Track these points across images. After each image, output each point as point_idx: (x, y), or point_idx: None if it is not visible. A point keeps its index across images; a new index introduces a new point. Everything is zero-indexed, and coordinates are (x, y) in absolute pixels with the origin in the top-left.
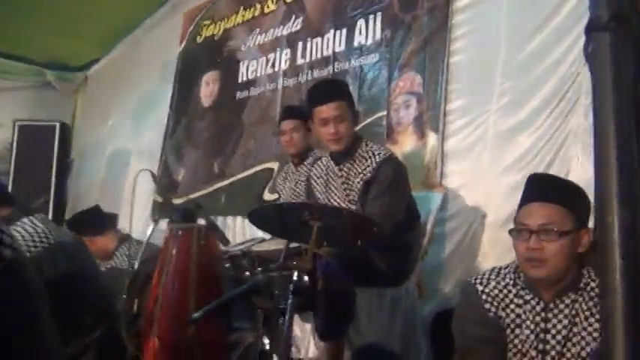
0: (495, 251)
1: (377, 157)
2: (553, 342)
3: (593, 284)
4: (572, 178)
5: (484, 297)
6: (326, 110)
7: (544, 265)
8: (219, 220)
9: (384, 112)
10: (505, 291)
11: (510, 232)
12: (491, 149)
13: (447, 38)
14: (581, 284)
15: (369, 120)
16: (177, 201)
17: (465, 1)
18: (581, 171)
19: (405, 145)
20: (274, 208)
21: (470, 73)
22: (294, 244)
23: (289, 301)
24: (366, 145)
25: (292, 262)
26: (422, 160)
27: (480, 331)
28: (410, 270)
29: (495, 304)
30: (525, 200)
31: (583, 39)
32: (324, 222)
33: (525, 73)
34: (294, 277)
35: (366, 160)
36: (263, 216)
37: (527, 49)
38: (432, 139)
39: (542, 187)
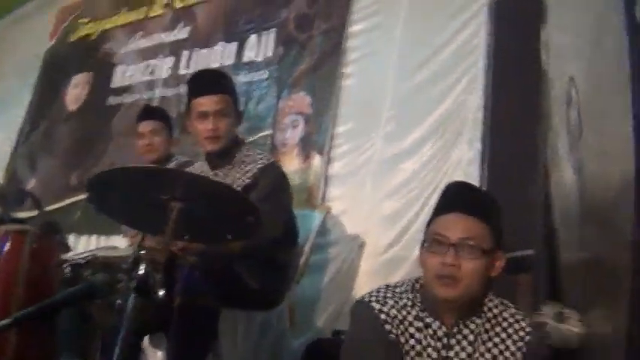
0: (372, 283)
1: (259, 163)
2: None
3: (495, 310)
4: None
5: (383, 317)
6: (206, 103)
7: (457, 285)
8: (71, 238)
9: (270, 132)
10: (404, 312)
11: (423, 243)
12: (374, 175)
13: (340, 61)
14: (485, 309)
15: (252, 138)
16: (25, 214)
17: (360, 27)
18: None
19: (288, 166)
20: (118, 174)
21: (359, 98)
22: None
23: (129, 300)
24: (248, 150)
25: (141, 253)
26: (305, 182)
27: (385, 357)
28: (284, 292)
29: (395, 326)
30: (444, 210)
31: (469, 74)
32: (188, 203)
33: (413, 103)
34: (140, 271)
35: (246, 166)
36: (107, 193)
37: (417, 79)
38: (316, 161)
39: (465, 198)
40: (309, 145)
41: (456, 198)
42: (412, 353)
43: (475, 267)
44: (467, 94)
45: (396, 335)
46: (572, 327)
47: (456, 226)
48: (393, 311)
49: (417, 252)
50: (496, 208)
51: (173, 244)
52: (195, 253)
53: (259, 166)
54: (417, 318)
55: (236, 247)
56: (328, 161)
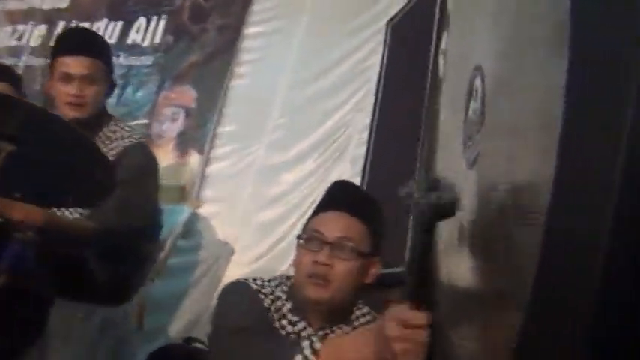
0: None
1: (127, 140)
2: None
3: (363, 320)
4: None
5: (262, 296)
6: (72, 64)
7: (329, 286)
8: None
9: (146, 121)
10: (279, 303)
11: (298, 238)
12: (254, 182)
13: (233, 60)
14: (353, 316)
15: None
16: None
17: (258, 29)
18: None
19: (162, 160)
20: None
21: (248, 100)
22: None
23: None
24: (116, 124)
25: None
26: (178, 179)
27: (258, 321)
28: (136, 287)
29: (273, 309)
30: (325, 207)
31: (360, 92)
32: (22, 146)
33: (302, 114)
34: None
35: (112, 143)
36: None
37: (309, 90)
38: (194, 159)
39: (349, 197)
40: (188, 141)
41: (339, 196)
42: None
43: (349, 269)
44: (355, 113)
45: (272, 318)
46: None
47: (335, 225)
48: (270, 297)
49: (287, 265)
50: (379, 213)
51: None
52: (34, 226)
53: (126, 144)
54: (290, 311)
55: (88, 229)
56: (207, 161)
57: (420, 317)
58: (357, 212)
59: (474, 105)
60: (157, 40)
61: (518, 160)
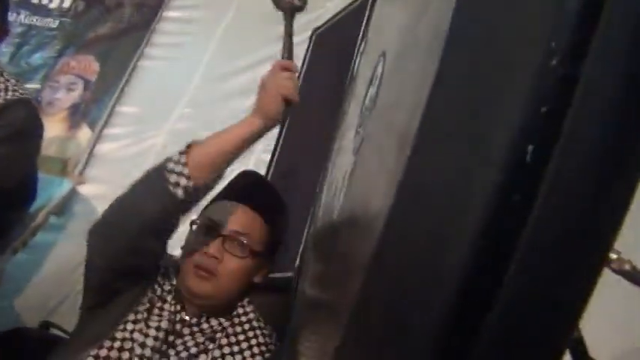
0: None
1: (10, 92)
2: (172, 356)
3: (244, 318)
4: None
5: None
6: None
7: (213, 280)
8: None
9: (38, 86)
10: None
11: (192, 223)
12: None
13: (145, 40)
14: (234, 312)
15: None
16: None
17: (179, 14)
18: None
19: (49, 130)
20: None
21: (156, 85)
22: None
23: None
24: (1, 74)
25: None
26: (63, 153)
27: None
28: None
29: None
30: (227, 196)
31: None
32: None
33: (211, 108)
34: None
35: None
36: None
37: (221, 88)
38: (84, 134)
39: (255, 191)
40: (81, 114)
41: (245, 188)
42: (144, 310)
43: (238, 267)
44: None
45: (152, 279)
46: None
47: (235, 218)
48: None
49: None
50: (284, 214)
51: None
52: None
53: (8, 96)
54: (168, 292)
55: None
56: (98, 138)
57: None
58: (261, 210)
59: (372, 91)
60: (67, 4)
61: (385, 149)
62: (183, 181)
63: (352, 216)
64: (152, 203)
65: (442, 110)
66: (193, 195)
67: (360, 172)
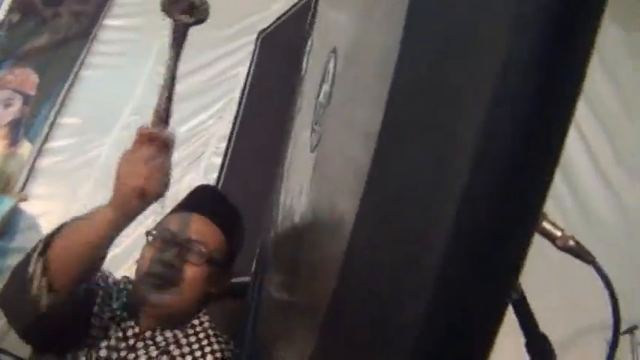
0: None
1: None
2: None
3: (199, 328)
4: None
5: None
6: None
7: (171, 290)
8: None
9: None
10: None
11: (147, 234)
12: (95, 182)
13: (85, 49)
14: (188, 323)
15: None
16: None
17: (119, 22)
18: None
19: None
20: None
21: (98, 94)
22: None
23: None
24: None
25: None
26: (4, 169)
27: None
28: None
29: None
30: (184, 208)
31: (222, 101)
32: None
33: None
34: None
35: None
36: None
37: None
38: (25, 149)
39: (212, 203)
40: (21, 129)
41: (202, 200)
42: (97, 329)
43: (197, 275)
44: (215, 121)
45: (96, 304)
46: None
47: (191, 227)
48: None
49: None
50: (240, 226)
51: None
52: None
53: None
54: (118, 308)
55: None
56: (39, 152)
57: (153, 134)
58: (218, 219)
59: (325, 88)
60: (0, 15)
61: (348, 145)
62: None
63: (317, 216)
64: (23, 314)
65: (404, 103)
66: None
67: (322, 170)
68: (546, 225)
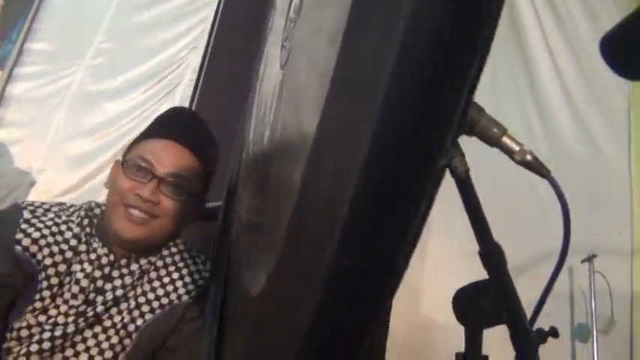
0: None
1: None
2: (99, 304)
3: (174, 249)
4: None
5: (23, 225)
6: None
7: (148, 224)
8: None
9: None
10: (63, 227)
11: (122, 163)
12: (69, 109)
13: None
14: (164, 249)
15: None
16: None
17: None
18: None
19: None
20: None
21: (68, 17)
22: None
23: None
24: None
25: None
26: None
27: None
28: None
29: (35, 240)
30: (158, 133)
31: (195, 31)
32: None
33: (131, 41)
34: None
35: None
36: None
37: (142, 16)
38: None
39: (187, 129)
40: None
41: (176, 125)
42: (53, 274)
43: (176, 208)
44: (188, 51)
45: (31, 253)
46: None
47: (168, 158)
48: (48, 223)
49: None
50: (216, 150)
51: None
52: None
53: None
54: (79, 239)
55: None
56: (9, 78)
57: None
58: (195, 148)
59: (295, 1)
60: None
61: (315, 50)
62: None
63: (285, 131)
64: None
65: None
66: None
67: (290, 83)
68: (505, 139)
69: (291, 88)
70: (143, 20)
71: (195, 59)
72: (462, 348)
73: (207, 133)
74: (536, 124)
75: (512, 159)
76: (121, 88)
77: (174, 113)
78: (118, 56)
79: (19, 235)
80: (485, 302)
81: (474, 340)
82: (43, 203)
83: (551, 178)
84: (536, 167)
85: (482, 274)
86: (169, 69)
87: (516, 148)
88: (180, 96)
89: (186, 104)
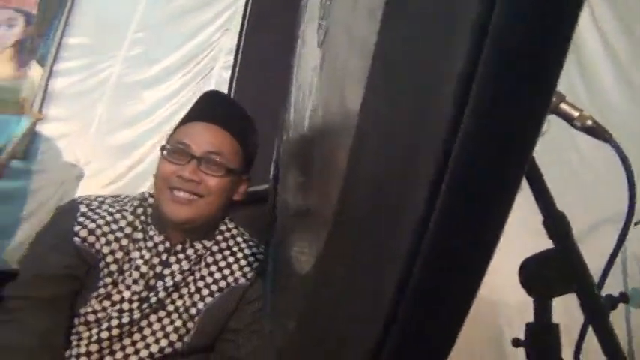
0: None
1: None
2: (160, 289)
3: (228, 234)
4: None
5: (81, 219)
6: None
7: (193, 204)
8: None
9: None
10: (118, 216)
11: (162, 149)
12: (109, 101)
13: None
14: (217, 232)
15: None
16: None
17: None
18: None
19: None
20: None
21: (102, 11)
22: None
23: None
24: None
25: None
26: (16, 94)
27: (59, 259)
28: None
29: (92, 230)
30: (194, 117)
31: (227, 13)
32: None
33: (164, 29)
34: None
35: None
36: None
37: (171, 6)
38: (35, 72)
39: (220, 109)
40: (28, 51)
41: (210, 107)
42: (112, 261)
43: (218, 185)
44: (221, 35)
45: (89, 243)
46: None
47: (205, 138)
48: (102, 214)
49: (142, 190)
50: (252, 129)
51: None
52: None
53: None
54: (134, 227)
55: None
56: (50, 75)
57: None
58: (229, 126)
59: None
60: None
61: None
62: None
63: (327, 110)
64: None
65: None
66: None
67: (330, 62)
68: (564, 106)
69: (330, 67)
70: (174, 7)
71: (227, 42)
72: (510, 323)
73: (240, 111)
74: (581, 90)
75: (572, 125)
76: (158, 76)
77: (204, 96)
78: (153, 45)
79: (77, 228)
80: (553, 271)
81: (543, 310)
82: (97, 197)
83: (614, 141)
84: (598, 132)
85: (529, 251)
86: (202, 54)
87: (575, 114)
88: (216, 80)
89: (224, 87)
